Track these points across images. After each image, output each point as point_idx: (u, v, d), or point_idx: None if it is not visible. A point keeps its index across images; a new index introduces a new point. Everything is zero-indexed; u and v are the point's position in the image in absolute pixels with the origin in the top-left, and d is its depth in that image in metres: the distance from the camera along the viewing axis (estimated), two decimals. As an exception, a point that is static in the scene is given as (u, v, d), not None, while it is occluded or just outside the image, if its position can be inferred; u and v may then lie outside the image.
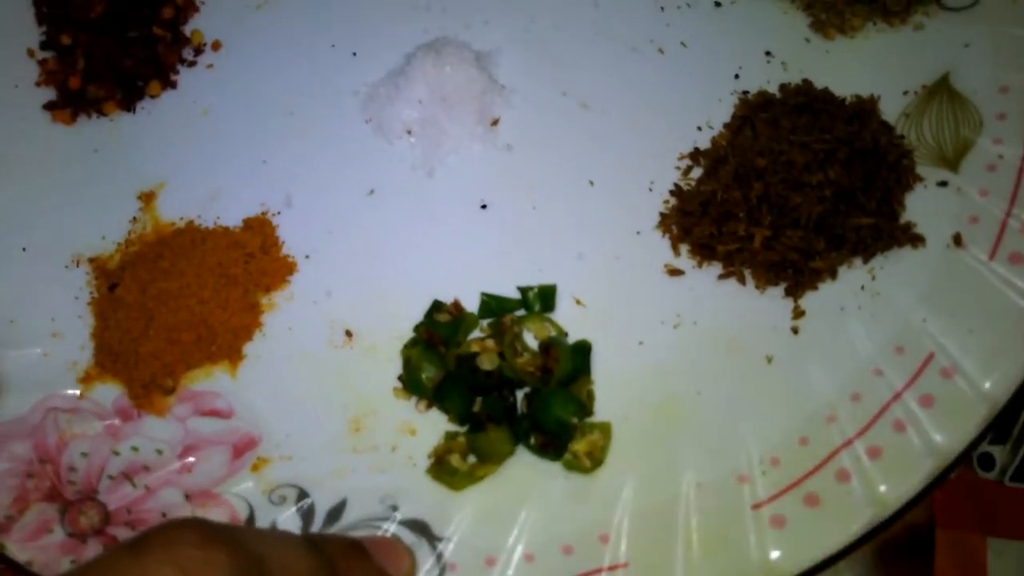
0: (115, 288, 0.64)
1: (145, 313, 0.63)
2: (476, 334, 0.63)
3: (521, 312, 0.64)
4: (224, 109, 0.70)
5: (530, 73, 0.70)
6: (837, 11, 0.69)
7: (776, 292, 0.63)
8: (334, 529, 0.59)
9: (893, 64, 0.68)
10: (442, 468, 0.60)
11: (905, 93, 0.67)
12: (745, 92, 0.68)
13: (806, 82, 0.67)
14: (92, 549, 0.59)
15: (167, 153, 0.69)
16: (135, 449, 0.61)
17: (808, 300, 0.63)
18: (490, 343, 0.62)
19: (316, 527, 0.59)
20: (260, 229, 0.66)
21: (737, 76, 0.69)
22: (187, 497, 0.60)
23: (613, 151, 0.68)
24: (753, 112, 0.66)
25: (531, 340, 0.63)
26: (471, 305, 0.64)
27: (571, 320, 0.63)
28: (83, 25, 0.70)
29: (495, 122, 0.69)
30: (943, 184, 0.64)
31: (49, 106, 0.70)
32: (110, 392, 0.63)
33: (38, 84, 0.71)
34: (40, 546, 0.59)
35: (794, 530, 0.57)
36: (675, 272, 0.64)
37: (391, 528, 0.59)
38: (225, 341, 0.63)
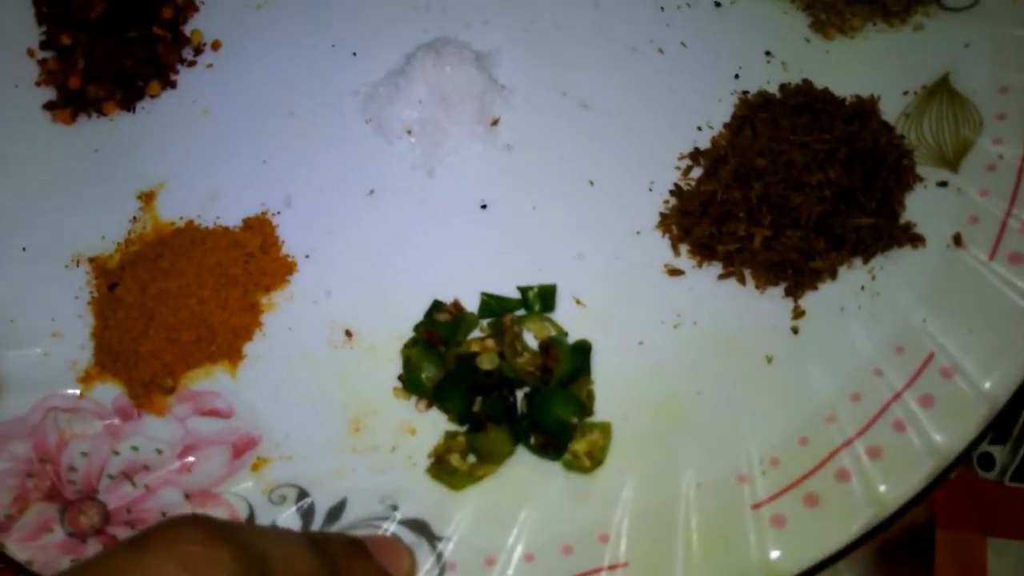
0: (115, 288, 0.64)
1: (145, 313, 0.63)
2: (476, 334, 0.63)
3: (521, 312, 0.64)
4: (224, 109, 0.70)
5: (530, 73, 0.70)
6: (837, 11, 0.69)
7: (776, 292, 0.63)
8: (334, 528, 0.59)
9: (893, 64, 0.68)
10: (442, 468, 0.60)
11: (905, 93, 0.67)
12: (745, 92, 0.68)
13: (806, 82, 0.67)
14: (92, 549, 0.59)
15: (167, 153, 0.69)
16: (135, 449, 0.61)
17: (808, 300, 0.63)
18: (490, 343, 0.62)
19: (316, 527, 0.59)
20: (260, 229, 0.66)
21: (737, 76, 0.69)
22: (187, 497, 0.60)
23: (613, 151, 0.68)
24: (753, 112, 0.66)
25: (531, 340, 0.63)
26: (471, 305, 0.64)
27: (571, 320, 0.63)
28: (83, 25, 0.70)
29: (495, 122, 0.69)
30: (943, 184, 0.64)
31: (49, 106, 0.70)
32: (110, 392, 0.63)
33: (38, 84, 0.71)
34: (40, 545, 0.59)
35: (794, 530, 0.57)
36: (675, 272, 0.64)
37: (391, 528, 0.59)
38: (225, 341, 0.63)
